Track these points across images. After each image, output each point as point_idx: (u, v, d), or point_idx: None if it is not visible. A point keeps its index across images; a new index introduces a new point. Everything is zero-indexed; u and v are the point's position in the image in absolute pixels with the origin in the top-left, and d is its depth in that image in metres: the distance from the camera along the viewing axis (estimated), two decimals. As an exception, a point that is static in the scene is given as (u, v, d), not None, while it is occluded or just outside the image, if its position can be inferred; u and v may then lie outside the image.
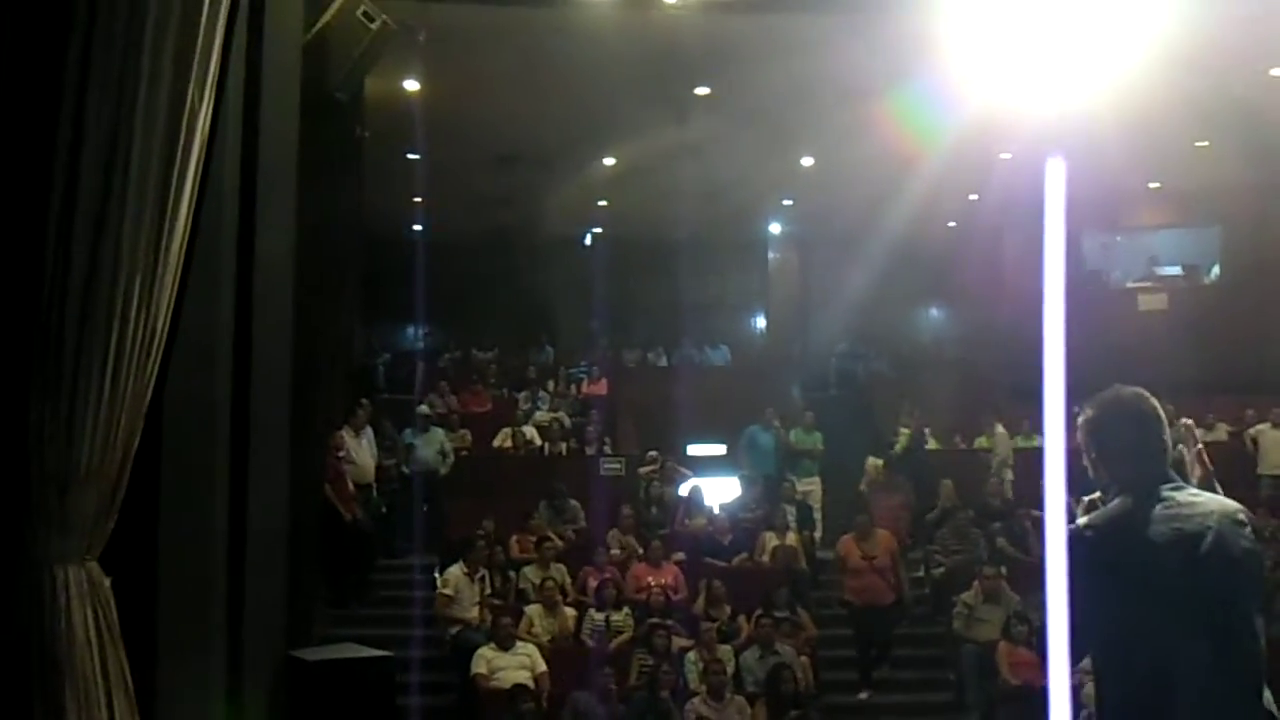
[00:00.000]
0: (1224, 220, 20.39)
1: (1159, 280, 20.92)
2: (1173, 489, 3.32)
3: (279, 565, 6.76)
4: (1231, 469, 14.52)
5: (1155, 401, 3.43)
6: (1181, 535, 3.23)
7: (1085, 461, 3.45)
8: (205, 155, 4.10)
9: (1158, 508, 3.26)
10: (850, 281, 20.56)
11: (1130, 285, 21.01)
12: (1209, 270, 21.09)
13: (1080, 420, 3.44)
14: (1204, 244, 21.30)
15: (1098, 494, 3.48)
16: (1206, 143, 16.01)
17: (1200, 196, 19.16)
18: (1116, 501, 3.33)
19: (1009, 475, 14.80)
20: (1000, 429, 15.57)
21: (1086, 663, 3.32)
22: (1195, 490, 3.37)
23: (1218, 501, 3.36)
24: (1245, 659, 3.23)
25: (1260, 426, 15.24)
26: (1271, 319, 17.86)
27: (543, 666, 10.48)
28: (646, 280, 22.13)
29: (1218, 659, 3.17)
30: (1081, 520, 3.33)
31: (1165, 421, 3.42)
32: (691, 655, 10.64)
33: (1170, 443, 3.43)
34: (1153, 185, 18.98)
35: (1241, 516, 3.33)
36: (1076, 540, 3.17)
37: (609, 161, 16.47)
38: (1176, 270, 21.10)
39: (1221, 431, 16.40)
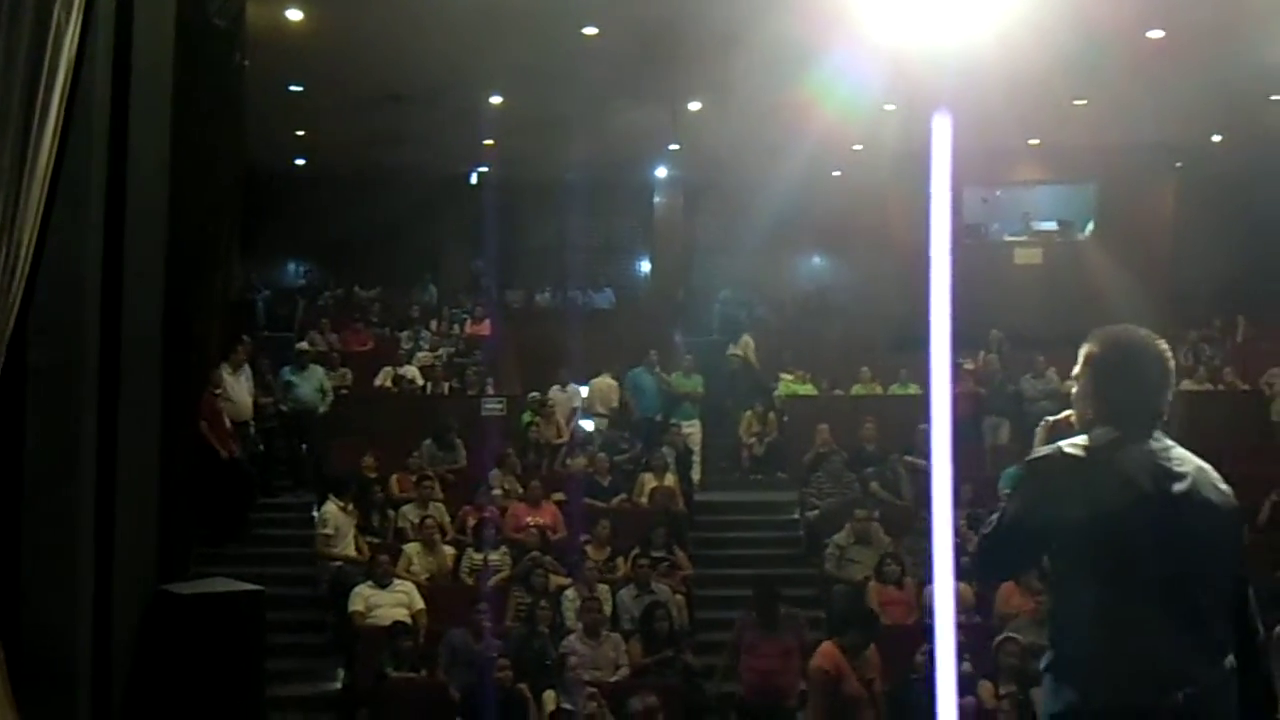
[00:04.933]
0: (1099, 178, 20.89)
1: (1035, 235, 21.36)
2: (1160, 435, 3.25)
3: (150, 500, 6.68)
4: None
5: (1165, 346, 3.32)
6: (1163, 473, 3.16)
7: (1076, 393, 3.35)
8: (72, 79, 3.99)
9: (1143, 445, 3.19)
10: (735, 228, 20.71)
11: (1007, 239, 21.43)
12: (1084, 226, 21.59)
13: (1085, 352, 3.33)
14: (1079, 201, 21.81)
15: (1067, 413, 3.38)
16: (1085, 101, 16.32)
17: (1077, 154, 19.56)
18: (1103, 432, 3.22)
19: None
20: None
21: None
22: (1175, 444, 3.27)
23: (1198, 459, 3.27)
24: (1219, 610, 3.16)
25: (1126, 378, 15.69)
26: (1141, 276, 18.37)
27: (420, 604, 10.54)
28: (532, 221, 22.06)
29: (1191, 601, 3.10)
30: (1062, 444, 3.23)
31: (1173, 368, 3.33)
32: (569, 593, 10.76)
33: (1172, 380, 3.31)
34: (1032, 142, 19.32)
35: (1220, 478, 3.26)
36: (1052, 463, 3.18)
37: (496, 100, 16.31)
38: (1052, 226, 21.56)
39: (1090, 383, 16.87)
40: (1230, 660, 3.13)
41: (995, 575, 3.47)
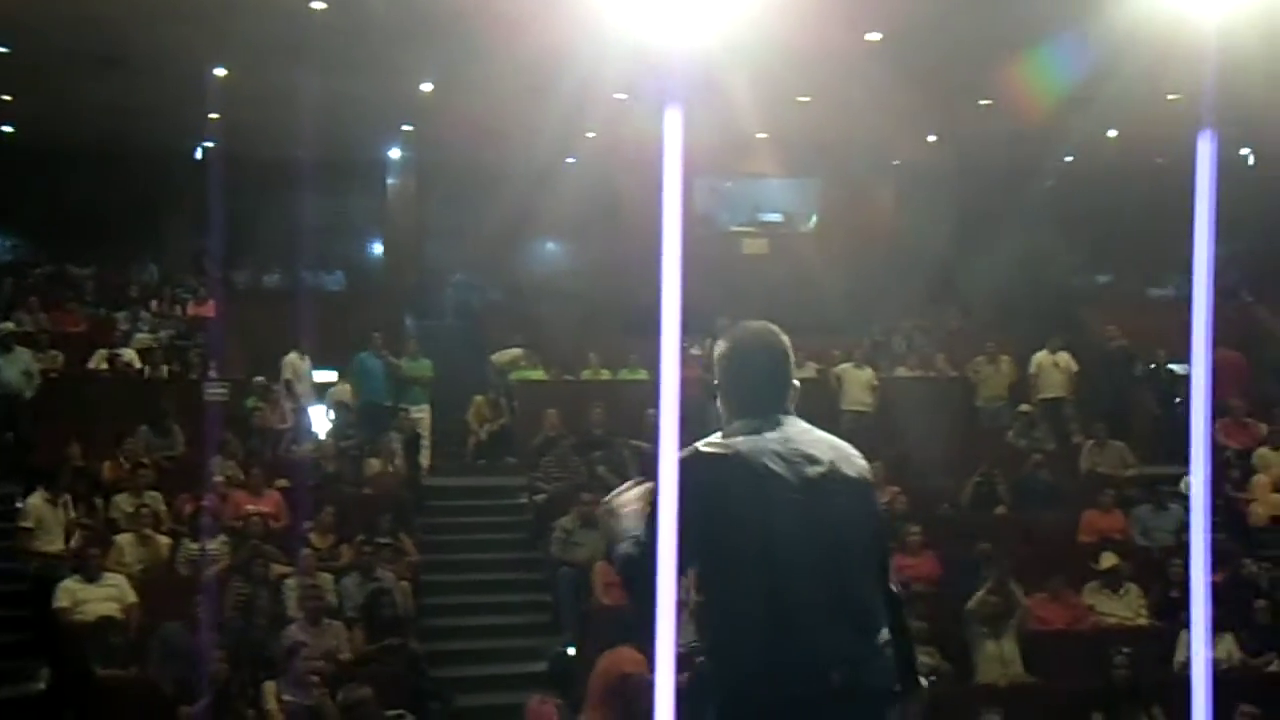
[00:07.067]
0: (823, 173, 21.69)
1: (762, 226, 22.01)
2: (788, 419, 3.31)
3: None
4: (818, 404, 15.60)
5: (784, 336, 3.42)
6: (797, 454, 3.21)
7: (716, 393, 3.40)
8: None
9: (776, 433, 3.24)
10: (470, 211, 20.62)
11: (735, 229, 22.02)
12: (808, 219, 22.38)
13: (716, 353, 3.42)
14: (804, 194, 22.60)
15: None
16: (808, 99, 16.87)
17: (802, 149, 20.20)
18: (738, 424, 3.29)
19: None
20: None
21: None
22: (810, 426, 3.33)
23: (831, 437, 3.34)
24: (865, 584, 3.22)
25: (844, 365, 16.27)
26: (861, 267, 19.20)
27: (132, 598, 10.17)
28: (260, 200, 21.36)
29: (836, 582, 3.14)
30: (699, 444, 3.21)
31: (791, 355, 3.42)
32: (290, 582, 10.53)
33: (793, 369, 3.41)
34: (760, 135, 19.88)
35: (855, 452, 3.34)
36: (693, 462, 3.10)
37: (220, 72, 15.74)
38: (778, 218, 22.26)
39: (810, 369, 17.50)
40: (884, 632, 3.23)
41: (645, 582, 3.31)
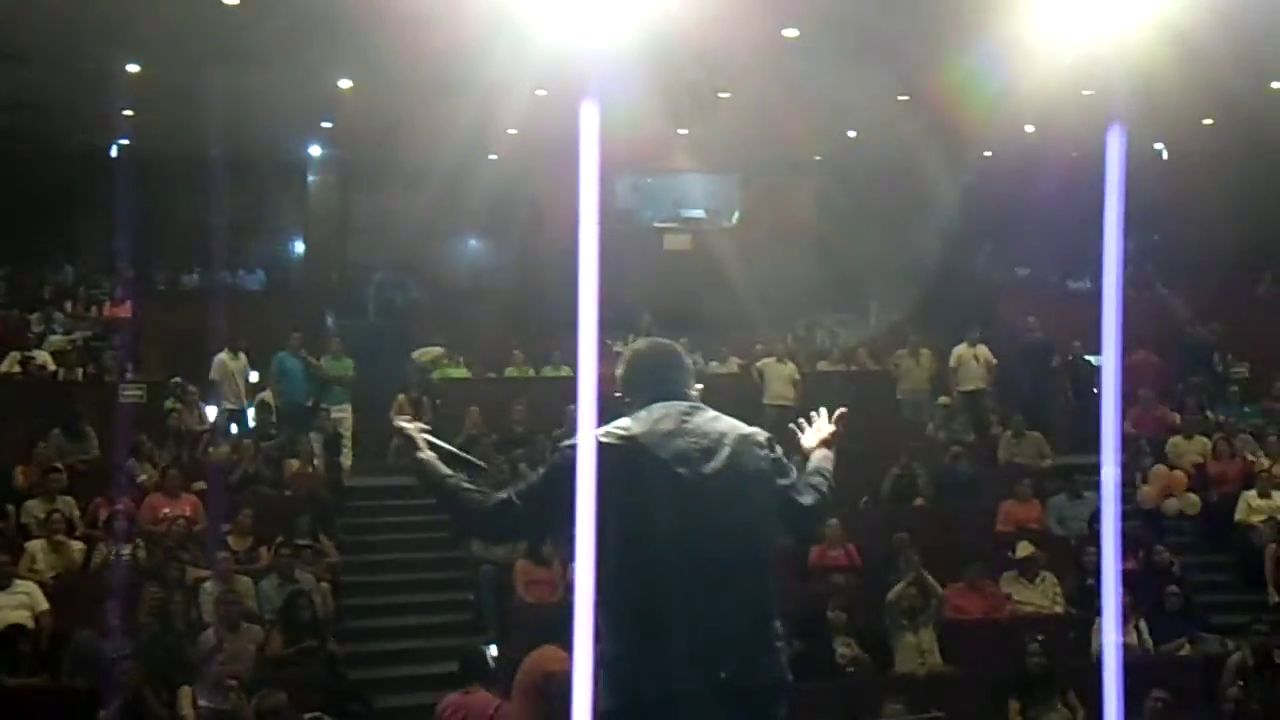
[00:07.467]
0: (743, 169, 21.76)
1: (684, 222, 22.07)
2: (692, 408, 3.36)
3: None
4: (741, 399, 15.64)
5: (676, 348, 3.60)
6: (695, 449, 3.24)
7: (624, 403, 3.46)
8: None
9: (676, 425, 3.29)
10: (392, 209, 20.45)
11: (657, 225, 22.05)
12: (730, 214, 22.44)
13: (618, 373, 3.51)
14: (726, 190, 22.68)
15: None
16: (728, 95, 16.90)
17: (722, 145, 20.26)
18: (641, 414, 3.33)
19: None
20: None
21: None
22: (717, 414, 3.39)
23: (737, 425, 3.39)
24: (757, 579, 3.24)
25: (766, 360, 16.31)
26: (783, 263, 19.28)
27: (44, 605, 9.94)
28: (178, 198, 21.04)
29: (727, 578, 3.16)
30: (597, 431, 3.20)
31: (685, 355, 3.58)
32: (208, 586, 10.36)
33: (691, 372, 3.52)
34: (681, 131, 19.89)
35: (761, 438, 3.37)
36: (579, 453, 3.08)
37: (133, 68, 15.46)
38: (700, 213, 22.33)
39: (733, 364, 17.56)
40: (778, 625, 3.26)
41: (495, 535, 3.69)
